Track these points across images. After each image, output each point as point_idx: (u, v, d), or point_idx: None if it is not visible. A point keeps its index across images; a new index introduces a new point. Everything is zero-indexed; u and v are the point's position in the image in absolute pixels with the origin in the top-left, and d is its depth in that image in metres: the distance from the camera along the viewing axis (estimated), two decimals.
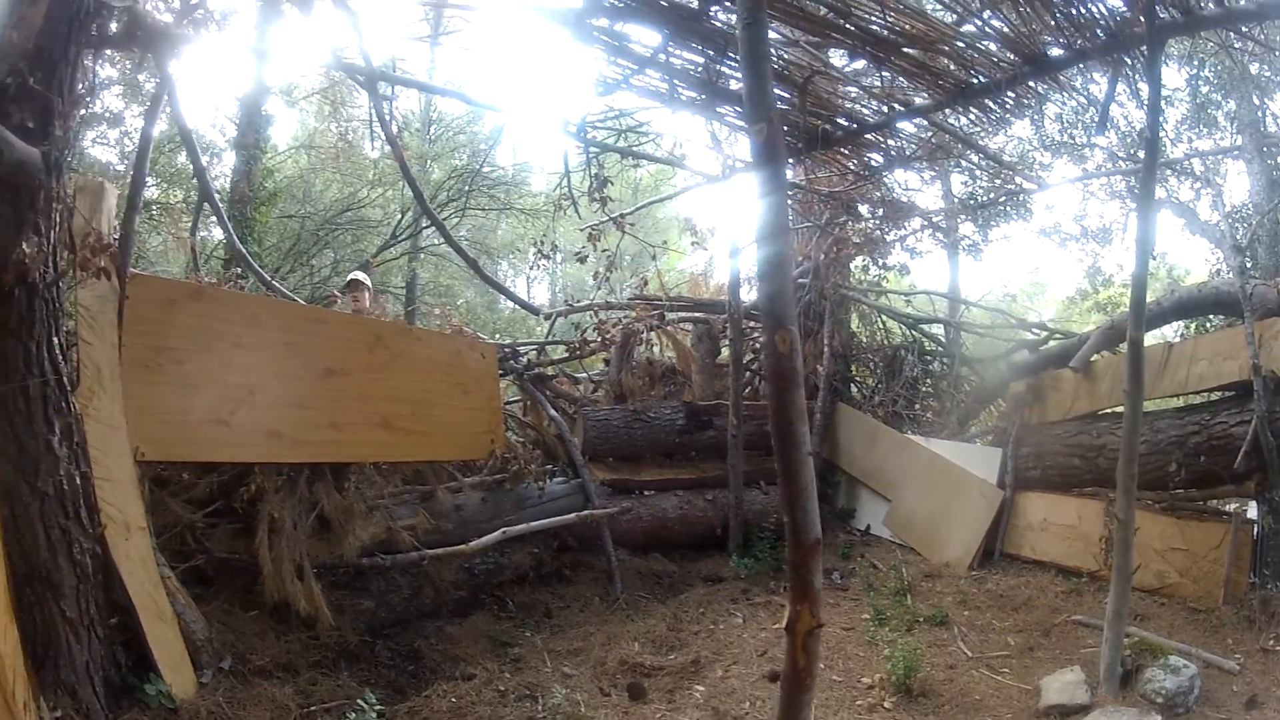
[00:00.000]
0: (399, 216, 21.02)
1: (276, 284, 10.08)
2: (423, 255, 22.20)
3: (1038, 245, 15.23)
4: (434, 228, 14.96)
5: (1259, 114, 12.55)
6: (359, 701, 5.62)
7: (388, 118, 10.47)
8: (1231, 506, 8.92)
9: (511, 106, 22.27)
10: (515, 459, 8.53)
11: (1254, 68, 12.20)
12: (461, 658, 6.82)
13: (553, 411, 9.63)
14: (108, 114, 12.57)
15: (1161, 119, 13.27)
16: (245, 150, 16.59)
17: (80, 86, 4.74)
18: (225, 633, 5.95)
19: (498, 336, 16.46)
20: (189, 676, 5.42)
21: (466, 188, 20.67)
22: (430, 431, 7.74)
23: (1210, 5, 5.51)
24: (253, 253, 11.99)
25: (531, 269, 17.02)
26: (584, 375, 11.68)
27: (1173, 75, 13.55)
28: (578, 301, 12.80)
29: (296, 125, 23.71)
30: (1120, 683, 6.26)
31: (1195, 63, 12.88)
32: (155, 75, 7.60)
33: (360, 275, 11.19)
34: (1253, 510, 8.45)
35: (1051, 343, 11.87)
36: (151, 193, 14.05)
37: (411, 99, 23.03)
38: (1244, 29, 6.43)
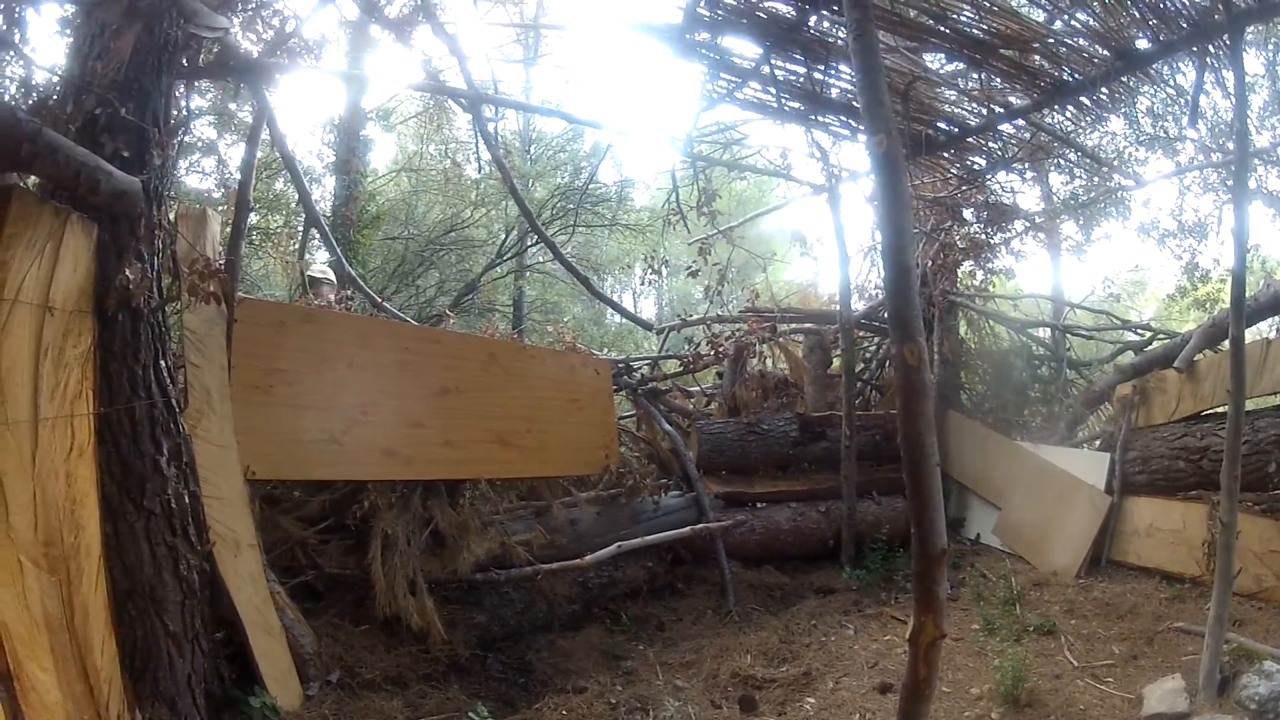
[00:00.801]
0: (503, 236, 21.25)
1: (386, 305, 10.30)
2: (529, 273, 22.34)
3: (1136, 243, 14.79)
4: (541, 245, 15.12)
5: None
6: (469, 714, 5.70)
7: (493, 138, 10.65)
8: None
9: (613, 123, 22.27)
10: (630, 473, 8.58)
11: None
12: (573, 670, 6.89)
13: (666, 425, 9.69)
14: (201, 143, 12.89)
15: (1247, 108, 13.02)
16: (346, 174, 16.95)
17: (175, 115, 4.94)
18: (334, 646, 6.08)
19: (606, 351, 16.68)
20: (295, 689, 5.55)
21: (571, 206, 20.69)
22: (545, 447, 7.85)
23: None
24: (359, 275, 12.25)
25: (642, 284, 17.12)
26: (696, 389, 11.71)
27: (1252, 62, 13.19)
28: (688, 315, 12.97)
29: (395, 149, 24.14)
30: (1218, 690, 6.13)
31: (1270, 47, 12.61)
32: (251, 103, 7.84)
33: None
34: None
35: (1155, 343, 11.66)
36: (252, 219, 14.40)
37: (511, 119, 23.31)
38: None
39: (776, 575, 9.17)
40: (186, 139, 8.41)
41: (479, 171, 20.14)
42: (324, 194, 17.19)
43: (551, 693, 6.43)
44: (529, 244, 21.02)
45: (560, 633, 7.51)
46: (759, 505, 9.59)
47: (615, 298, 23.20)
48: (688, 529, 8.59)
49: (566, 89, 31.12)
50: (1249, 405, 8.99)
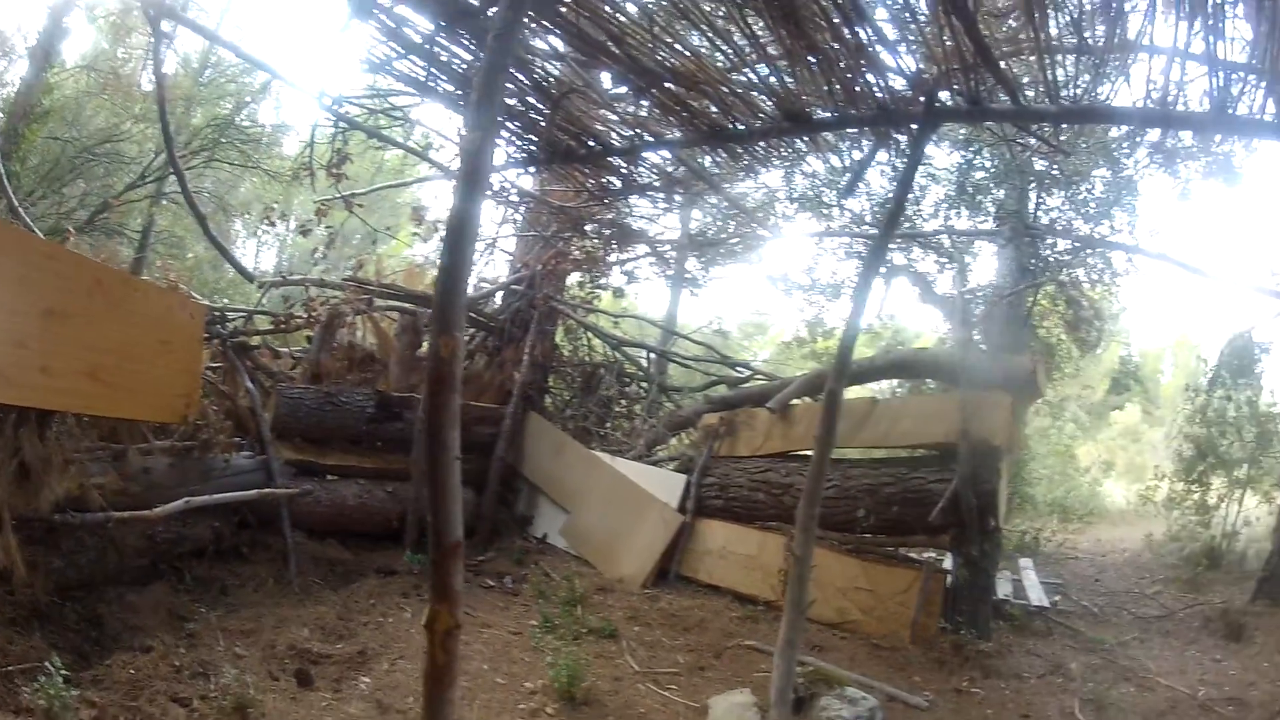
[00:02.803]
0: (152, 157, 19.93)
1: (20, 211, 9.56)
2: (165, 201, 21.04)
3: (766, 289, 15.77)
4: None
5: (1026, 206, 13.25)
6: (47, 664, 5.38)
7: (160, 53, 10.08)
8: (928, 554, 9.57)
9: (280, 65, 21.56)
10: (207, 427, 8.28)
11: (1038, 164, 12.83)
12: (141, 628, 6.66)
13: (250, 383, 9.42)
14: None
15: (918, 194, 14.04)
16: (36, 61, 15.81)
17: None
18: None
19: (215, 299, 15.92)
20: None
21: (220, 139, 19.95)
22: (133, 388, 7.42)
23: (1004, 99, 5.62)
24: (13, 172, 11.23)
25: (258, 233, 16.50)
26: (286, 351, 11.46)
27: (944, 155, 14.26)
28: (292, 275, 12.68)
29: (89, 44, 22.46)
30: (793, 709, 6.44)
31: (973, 149, 13.47)
32: None
33: None
34: (949, 561, 9.17)
35: (754, 382, 12.58)
36: None
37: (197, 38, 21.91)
38: (1033, 127, 6.80)
39: (340, 550, 9.22)
40: None
41: (150, 84, 18.79)
42: (15, 78, 16.11)
43: (120, 649, 6.20)
44: (170, 171, 19.77)
45: (129, 587, 7.21)
46: (330, 478, 9.61)
47: (241, 245, 22.47)
48: (254, 492, 8.44)
49: (258, 22, 29.73)
50: (853, 454, 9.86)
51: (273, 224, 11.86)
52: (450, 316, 3.50)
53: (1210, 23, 4.61)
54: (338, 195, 10.48)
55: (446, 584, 3.47)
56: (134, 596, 7.09)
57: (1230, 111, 5.05)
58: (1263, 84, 5.02)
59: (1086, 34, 5.34)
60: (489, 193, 10.01)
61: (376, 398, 10.11)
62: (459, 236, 3.65)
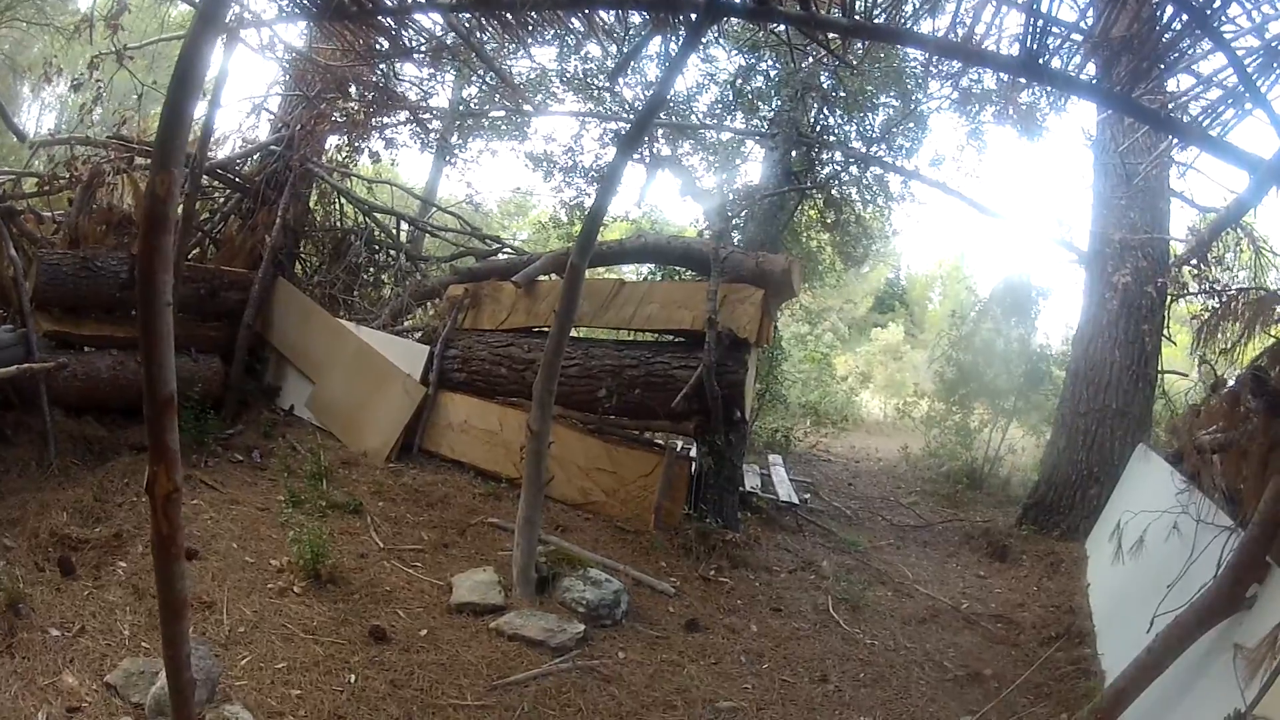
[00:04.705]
0: None
1: None
2: None
3: (529, 168, 15.57)
4: None
5: (804, 116, 13.27)
6: None
7: None
8: (678, 442, 9.73)
9: None
10: None
11: (825, 78, 12.93)
12: None
13: (13, 251, 8.65)
14: None
15: (694, 91, 14.10)
16: None
17: None
18: None
19: None
20: None
21: None
22: None
23: (796, 5, 5.53)
24: None
25: (40, 93, 15.44)
26: (49, 215, 10.52)
27: (728, 58, 14.28)
28: (58, 133, 11.85)
29: None
30: (536, 588, 6.60)
31: (760, 54, 13.45)
32: None
33: None
34: (695, 448, 9.29)
35: (501, 255, 12.47)
36: None
37: None
38: (820, 36, 6.68)
39: (96, 427, 8.61)
40: None
41: None
42: None
43: None
44: None
45: None
46: (86, 349, 8.99)
47: (25, 108, 21.00)
48: (14, 368, 7.78)
49: None
50: (600, 335, 9.87)
51: (49, 81, 10.93)
52: (170, 152, 3.22)
53: None
54: (113, 49, 9.74)
55: (163, 443, 3.20)
56: None
57: (1041, 62, 5.10)
58: (1086, 44, 5.17)
59: None
60: (251, 47, 9.74)
61: (130, 262, 9.30)
62: (188, 69, 3.33)
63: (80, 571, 5.92)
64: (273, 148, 11.34)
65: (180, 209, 9.37)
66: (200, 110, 10.47)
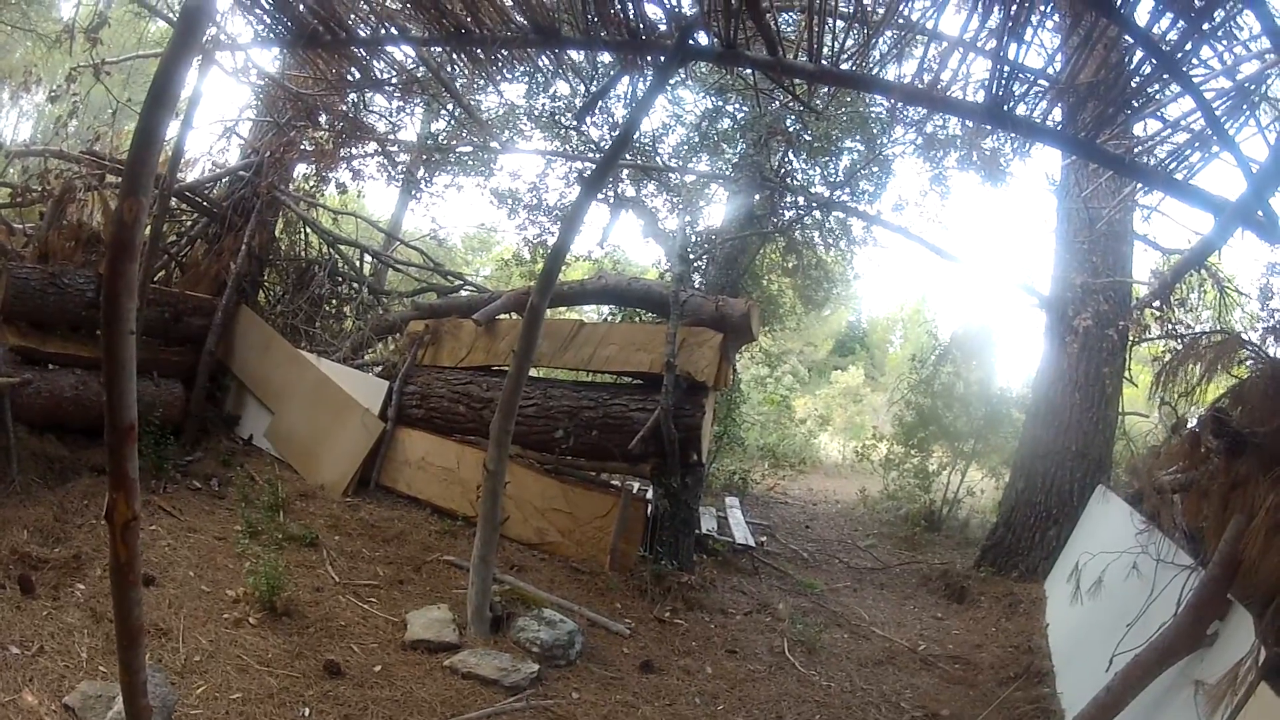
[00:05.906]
0: None
1: None
2: None
3: (493, 204, 15.57)
4: None
5: (765, 157, 13.26)
6: None
7: None
8: (635, 484, 9.78)
9: None
10: None
11: (790, 123, 12.93)
12: None
13: None
14: None
15: (661, 131, 14.14)
16: None
17: None
18: None
19: None
20: None
21: None
22: None
23: (763, 50, 5.57)
24: None
25: (19, 101, 15.39)
26: (20, 227, 10.52)
27: (695, 100, 14.46)
28: (34, 144, 11.79)
29: None
30: (491, 627, 6.55)
31: (727, 97, 13.57)
32: None
33: None
34: (651, 491, 9.24)
35: (463, 292, 12.46)
36: None
37: None
38: (786, 82, 6.70)
39: (58, 446, 8.54)
40: None
41: None
42: None
43: None
44: None
45: None
46: (51, 366, 8.90)
47: (3, 113, 20.92)
48: None
49: None
50: (559, 375, 9.85)
51: (28, 89, 10.88)
52: (139, 177, 3.21)
53: (1010, 25, 4.73)
54: (91, 62, 9.78)
55: (123, 470, 3.19)
56: None
57: (1006, 108, 5.17)
58: (1052, 90, 5.22)
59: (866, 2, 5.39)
60: (229, 72, 9.75)
61: (96, 281, 9.23)
62: (162, 88, 3.33)
63: (40, 591, 5.87)
64: (241, 173, 11.31)
65: (148, 230, 9.42)
66: (172, 131, 10.52)
